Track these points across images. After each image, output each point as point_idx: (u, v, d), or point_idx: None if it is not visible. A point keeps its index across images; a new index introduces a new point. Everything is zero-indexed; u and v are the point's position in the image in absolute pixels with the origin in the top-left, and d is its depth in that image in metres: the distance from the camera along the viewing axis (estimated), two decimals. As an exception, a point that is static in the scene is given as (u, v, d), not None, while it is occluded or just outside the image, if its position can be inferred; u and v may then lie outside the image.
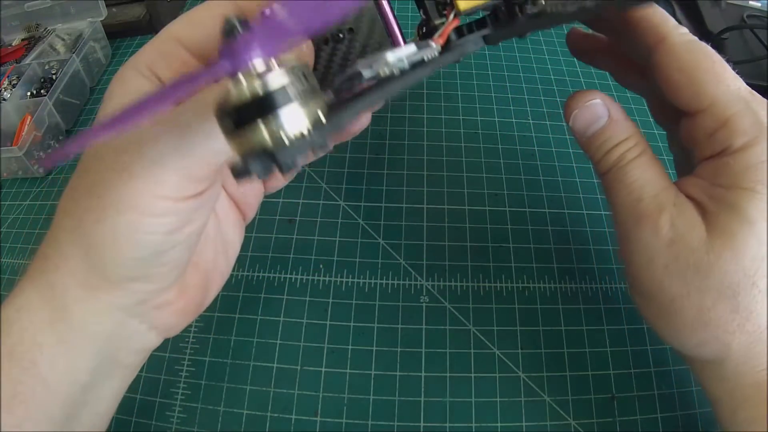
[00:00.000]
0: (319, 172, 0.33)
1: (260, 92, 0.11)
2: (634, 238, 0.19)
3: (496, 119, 0.36)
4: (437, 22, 0.18)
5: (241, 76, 0.11)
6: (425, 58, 0.16)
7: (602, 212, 0.32)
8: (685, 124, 0.20)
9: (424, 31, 0.19)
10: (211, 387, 0.27)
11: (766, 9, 0.42)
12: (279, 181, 0.25)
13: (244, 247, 0.26)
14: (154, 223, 0.17)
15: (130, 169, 0.16)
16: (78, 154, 0.18)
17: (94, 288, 0.18)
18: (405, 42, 0.18)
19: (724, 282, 0.17)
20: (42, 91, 0.39)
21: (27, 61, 0.41)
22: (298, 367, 0.27)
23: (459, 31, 0.19)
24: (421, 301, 0.29)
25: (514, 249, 0.30)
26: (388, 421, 0.25)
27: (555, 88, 0.38)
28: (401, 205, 0.32)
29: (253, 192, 0.24)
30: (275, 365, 0.27)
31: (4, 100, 0.38)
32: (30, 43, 0.44)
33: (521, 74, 0.39)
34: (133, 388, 0.22)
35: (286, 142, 0.11)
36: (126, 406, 0.24)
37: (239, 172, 0.12)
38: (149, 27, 0.45)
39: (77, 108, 0.41)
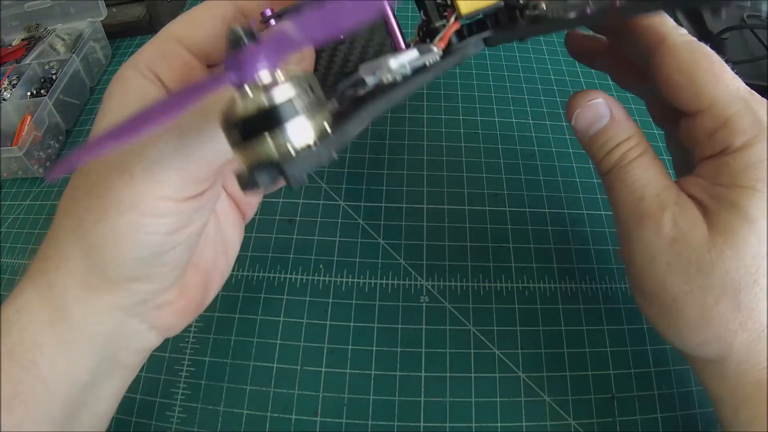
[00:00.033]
0: (319, 172, 0.34)
1: (267, 105, 0.11)
2: (636, 237, 0.19)
3: (496, 119, 0.36)
4: (438, 24, 0.18)
5: (247, 88, 0.11)
6: (427, 63, 0.16)
7: (602, 212, 0.32)
8: (685, 125, 0.20)
9: (424, 30, 0.19)
10: (211, 387, 0.27)
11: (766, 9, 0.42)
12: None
13: (244, 247, 0.26)
14: (154, 224, 0.17)
15: (131, 170, 0.16)
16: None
17: (95, 288, 0.18)
18: (406, 43, 0.18)
19: (726, 280, 0.17)
20: (42, 91, 0.39)
21: (27, 61, 0.41)
22: (298, 367, 0.27)
23: (460, 34, 0.19)
24: (421, 301, 0.29)
25: (514, 249, 0.30)
26: (388, 421, 0.25)
27: (555, 88, 0.38)
28: (401, 205, 0.32)
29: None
30: (275, 365, 0.27)
31: (4, 100, 0.38)
32: (30, 43, 0.44)
33: (521, 74, 0.39)
34: (133, 388, 0.22)
35: (293, 154, 0.11)
36: (126, 406, 0.24)
37: (246, 184, 0.12)
38: (149, 27, 0.45)
39: (77, 108, 0.41)
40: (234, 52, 0.12)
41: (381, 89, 0.15)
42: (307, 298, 0.29)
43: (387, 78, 0.15)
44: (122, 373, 0.20)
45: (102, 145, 0.11)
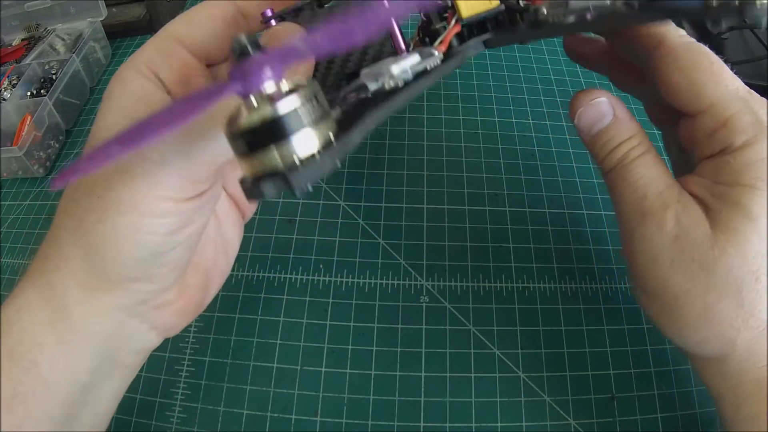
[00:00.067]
0: (319, 172, 0.33)
1: (273, 117, 0.11)
2: (638, 235, 0.19)
3: (496, 119, 0.36)
4: (438, 26, 0.18)
5: (252, 99, 0.11)
6: (428, 67, 0.16)
7: (602, 212, 0.32)
8: (685, 125, 0.20)
9: (424, 31, 0.19)
10: (211, 387, 0.27)
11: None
12: None
13: (244, 247, 0.26)
14: (154, 224, 0.17)
15: (131, 170, 0.16)
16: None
17: (95, 288, 0.18)
18: (406, 43, 0.18)
19: (729, 278, 0.17)
20: (42, 91, 0.39)
21: (27, 61, 0.41)
22: (298, 367, 0.27)
23: (460, 36, 0.19)
24: (421, 301, 0.29)
25: (514, 249, 0.30)
26: (388, 421, 0.25)
27: (555, 88, 0.38)
28: (401, 205, 0.32)
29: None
30: (275, 365, 0.27)
31: (4, 100, 0.38)
32: (30, 43, 0.44)
33: (521, 74, 0.39)
34: (133, 388, 0.22)
35: (298, 164, 0.12)
36: (126, 406, 0.24)
37: (252, 194, 0.12)
38: (149, 27, 0.45)
39: (77, 108, 0.41)
40: (239, 63, 0.12)
41: (383, 95, 0.15)
42: (307, 298, 0.29)
43: (389, 84, 0.15)
44: (122, 373, 0.20)
45: (108, 153, 0.11)
